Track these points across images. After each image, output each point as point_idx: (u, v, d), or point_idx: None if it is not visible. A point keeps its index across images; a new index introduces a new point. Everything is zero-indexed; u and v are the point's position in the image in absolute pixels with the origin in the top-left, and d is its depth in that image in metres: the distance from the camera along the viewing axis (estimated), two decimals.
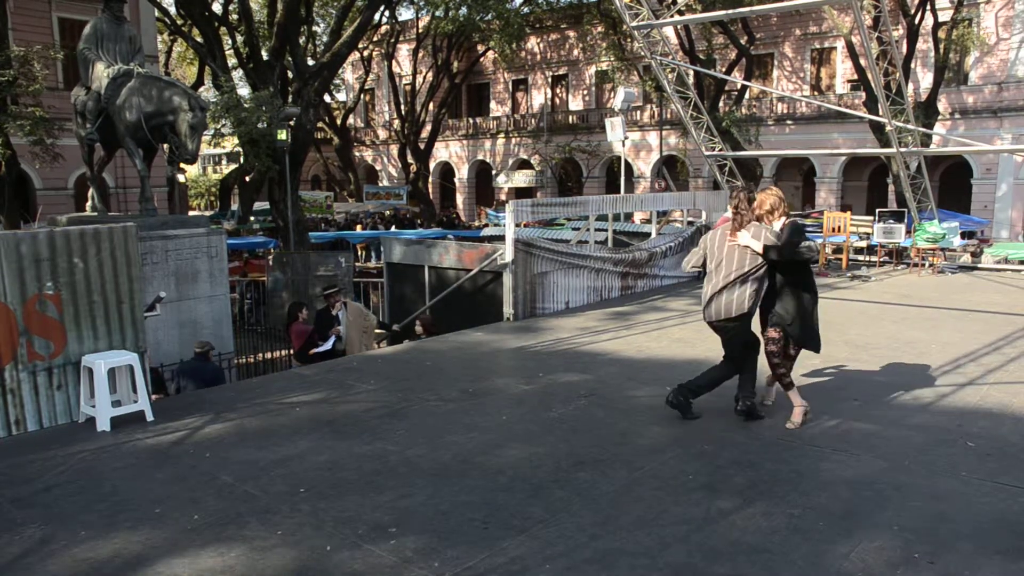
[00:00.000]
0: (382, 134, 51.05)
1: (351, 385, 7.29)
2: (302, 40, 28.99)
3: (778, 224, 6.20)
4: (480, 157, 48.96)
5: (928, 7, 29.12)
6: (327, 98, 39.40)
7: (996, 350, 8.46)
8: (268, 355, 13.69)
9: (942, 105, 32.08)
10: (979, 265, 16.88)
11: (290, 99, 21.59)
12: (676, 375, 7.48)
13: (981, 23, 32.39)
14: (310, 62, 24.61)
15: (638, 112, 41.64)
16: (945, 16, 30.65)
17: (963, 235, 23.41)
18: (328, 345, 10.15)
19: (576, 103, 45.74)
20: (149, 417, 6.31)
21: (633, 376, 7.49)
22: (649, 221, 16.84)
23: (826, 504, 4.57)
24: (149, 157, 10.83)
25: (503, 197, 45.22)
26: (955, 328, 9.57)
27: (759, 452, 5.41)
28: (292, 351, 10.81)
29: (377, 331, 11.28)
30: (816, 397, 6.72)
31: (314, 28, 34.36)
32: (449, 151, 49.92)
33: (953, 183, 34.83)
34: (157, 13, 29.20)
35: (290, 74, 22.84)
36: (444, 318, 11.06)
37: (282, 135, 19.44)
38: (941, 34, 29.85)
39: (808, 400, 6.19)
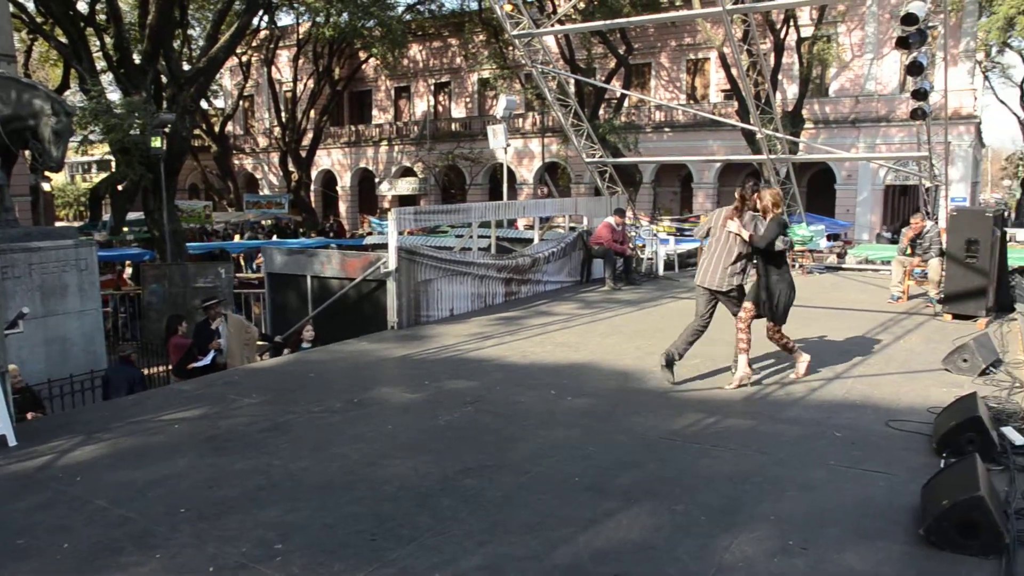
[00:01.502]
0: (262, 142, 49.83)
1: (232, 399, 7.07)
2: (176, 44, 28.04)
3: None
4: (363, 165, 48.43)
5: (792, 23, 30.59)
6: (204, 104, 38.16)
7: (859, 345, 8.93)
8: (145, 371, 13.14)
9: (807, 115, 33.71)
10: (843, 265, 17.78)
11: (164, 105, 20.83)
12: (561, 379, 7.58)
13: (838, 40, 34.21)
14: (185, 67, 23.82)
15: (520, 119, 42.05)
16: (807, 32, 32.27)
17: (828, 237, 24.63)
18: (208, 359, 9.83)
19: (459, 111, 45.82)
20: (12, 442, 5.94)
21: (519, 382, 7.54)
22: (532, 227, 17.02)
23: (707, 500, 4.70)
24: (8, 164, 10.23)
25: (386, 205, 44.86)
26: (823, 325, 10.03)
27: (642, 452, 5.53)
28: (170, 366, 10.41)
29: (259, 343, 10.99)
30: (697, 396, 6.92)
31: (189, 32, 33.26)
32: (331, 159, 49.18)
33: (819, 189, 36.61)
34: (13, 8, 27.60)
35: (164, 79, 22.05)
36: (328, 328, 10.87)
37: (156, 142, 18.71)
38: (804, 49, 31.40)
39: (688, 400, 6.37)
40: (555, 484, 4.97)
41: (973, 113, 33.24)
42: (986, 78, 37.48)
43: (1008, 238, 14.25)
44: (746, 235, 7.04)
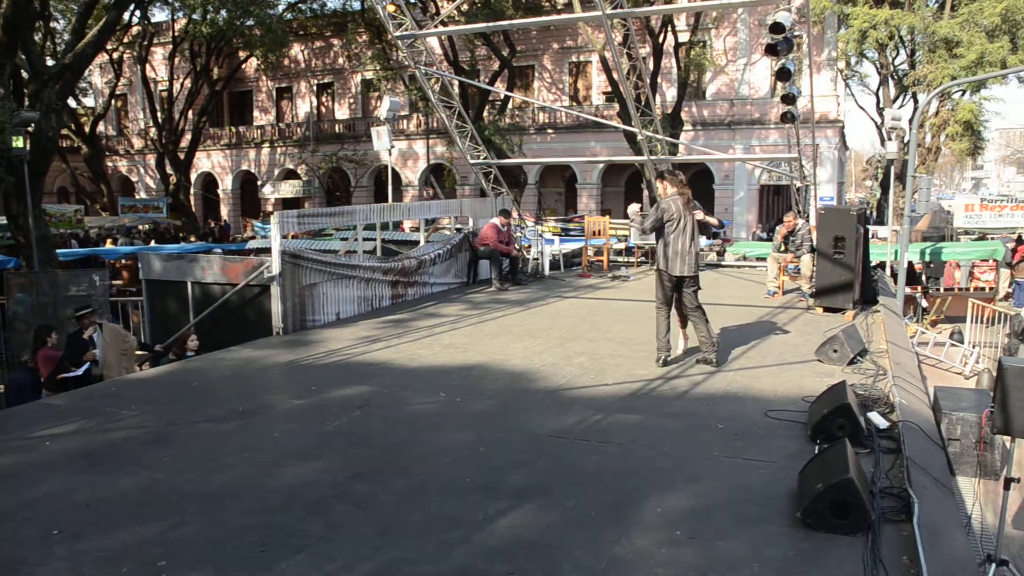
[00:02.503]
0: (137, 143, 47.90)
1: (110, 412, 6.76)
2: (39, 37, 26.62)
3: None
4: (244, 167, 47.19)
5: (670, 29, 31.46)
6: (72, 103, 36.35)
7: (739, 339, 9.26)
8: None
9: (685, 117, 34.77)
10: (722, 263, 18.42)
11: (26, 103, 19.72)
12: (449, 381, 7.57)
13: (713, 46, 35.45)
14: (49, 62, 22.64)
15: (405, 121, 41.83)
16: (685, 37, 33.28)
17: (708, 235, 25.37)
18: (81, 371, 9.37)
19: (342, 112, 45.21)
20: None
21: (408, 384, 7.49)
22: (418, 229, 16.95)
23: (597, 495, 4.79)
24: None
25: (270, 208, 43.82)
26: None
27: (532, 451, 5.58)
28: (40, 380, 9.87)
29: (138, 352, 10.56)
30: (584, 394, 7.04)
31: (53, 25, 31.62)
32: (211, 161, 47.71)
33: (698, 188, 37.63)
34: None
35: (25, 74, 20.88)
36: (212, 336, 10.54)
37: (19, 143, 17.70)
38: (682, 54, 32.36)
39: (576, 398, 6.47)
40: (447, 486, 4.96)
41: (837, 118, 35.03)
42: (847, 85, 39.54)
43: (870, 235, 15.08)
44: (714, 220, 7.85)
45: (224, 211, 47.52)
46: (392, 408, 6.72)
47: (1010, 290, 21.55)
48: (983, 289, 20.92)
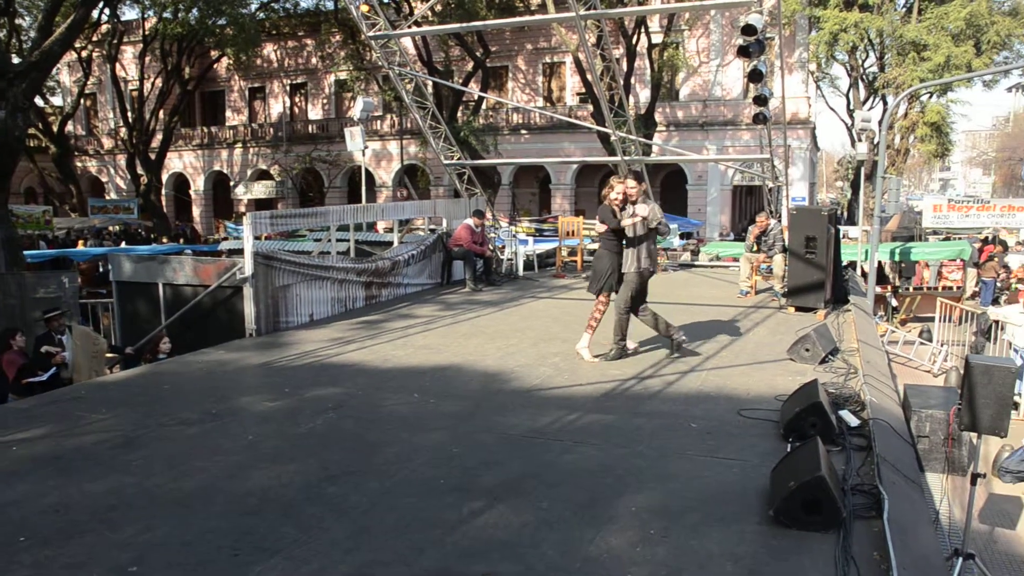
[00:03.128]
0: (107, 143, 47.40)
1: (80, 416, 6.67)
2: (3, 34, 26.26)
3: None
4: (217, 168, 46.84)
5: (643, 30, 31.61)
6: (40, 102, 35.88)
7: (711, 338, 9.32)
8: None
9: (659, 118, 34.93)
10: (696, 263, 18.52)
11: None
12: (424, 382, 7.56)
13: (686, 47, 35.64)
14: (15, 60, 22.32)
15: (378, 121, 41.71)
16: (658, 39, 33.43)
17: (681, 236, 25.59)
18: (46, 376, 9.24)
19: (315, 112, 45.02)
20: None
21: (381, 386, 7.47)
22: (392, 230, 16.89)
23: (571, 494, 4.79)
24: None
25: (242, 209, 43.50)
26: (678, 320, 10.36)
27: (506, 451, 5.58)
28: (6, 383, 9.72)
29: (108, 355, 10.44)
30: (558, 394, 7.05)
31: (18, 22, 31.17)
32: (183, 161, 47.32)
33: (671, 188, 38.01)
34: None
35: None
36: (183, 338, 10.44)
37: None
38: (655, 55, 32.50)
39: (550, 398, 6.47)
40: (421, 487, 4.95)
41: (808, 119, 35.37)
42: (818, 87, 39.92)
43: (842, 235, 15.22)
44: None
45: (196, 212, 47.15)
46: (366, 409, 6.69)
47: (977, 289, 21.90)
48: (951, 288, 21.21)
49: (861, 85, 34.30)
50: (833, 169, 75.32)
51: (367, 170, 29.71)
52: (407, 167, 40.92)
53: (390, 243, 15.69)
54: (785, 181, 17.36)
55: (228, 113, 47.46)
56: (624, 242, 8.18)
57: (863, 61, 33.97)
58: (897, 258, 21.20)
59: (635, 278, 8.18)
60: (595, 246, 19.02)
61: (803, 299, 11.15)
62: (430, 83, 26.55)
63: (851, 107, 36.08)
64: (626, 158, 16.08)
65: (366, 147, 18.94)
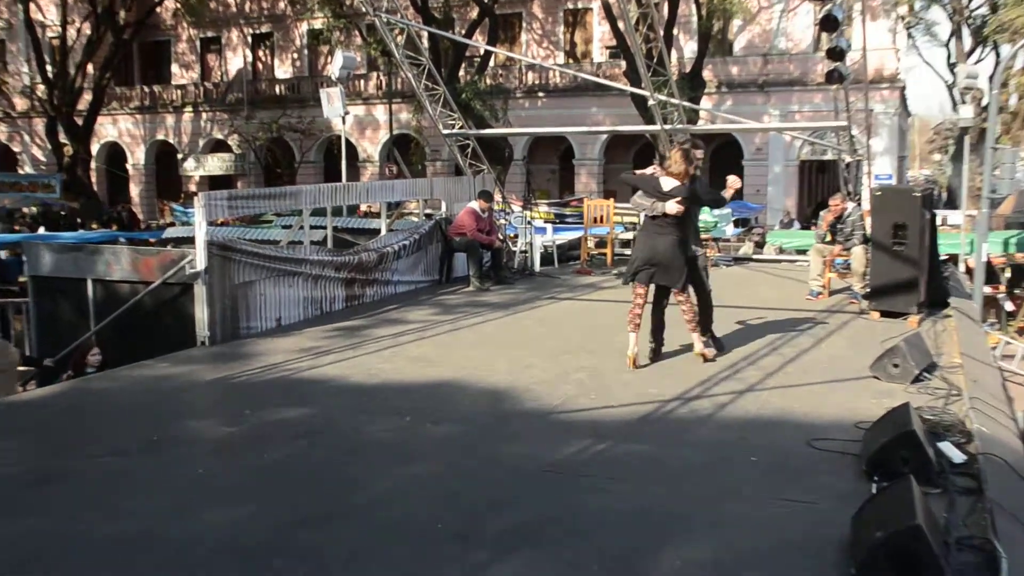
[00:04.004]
0: (21, 104, 47.38)
1: None
2: None
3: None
4: (161, 137, 47.04)
5: None
6: None
7: (774, 351, 9.27)
8: None
9: (708, 77, 34.84)
10: (753, 256, 18.47)
11: None
12: (417, 402, 7.54)
13: None
14: None
15: (362, 81, 41.82)
16: None
17: (736, 223, 25.52)
18: None
19: (284, 70, 45.17)
20: None
21: (365, 407, 7.46)
22: (378, 215, 16.89)
23: (600, 545, 4.76)
24: None
25: (193, 188, 43.70)
26: (731, 328, 10.36)
27: (521, 489, 5.55)
28: None
29: (21, 368, 10.47)
30: (584, 418, 7.02)
31: None
32: (118, 128, 47.53)
33: (723, 165, 37.84)
34: None
35: None
36: (119, 347, 10.46)
37: None
38: None
39: (574, 423, 6.44)
40: (413, 533, 4.92)
41: (897, 76, 35.19)
42: (910, 36, 39.65)
43: (939, 221, 15.13)
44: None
45: (135, 191, 47.35)
46: (345, 436, 6.68)
47: None
48: None
49: (966, 32, 33.99)
50: (928, 139, 74.80)
51: (348, 141, 29.67)
52: (397, 138, 40.99)
53: (376, 231, 15.68)
54: (867, 154, 17.27)
55: (174, 69, 47.65)
56: (678, 223, 8.57)
57: (969, 1, 33.65)
58: (1012, 250, 21.02)
59: (700, 263, 9.17)
60: (628, 235, 19.06)
61: (890, 302, 11.08)
62: (426, 34, 26.58)
63: (952, 60, 35.82)
64: (667, 127, 16.05)
65: (347, 113, 18.95)
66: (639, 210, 8.89)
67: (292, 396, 7.85)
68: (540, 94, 39.01)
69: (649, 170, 8.98)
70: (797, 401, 7.42)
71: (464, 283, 14.16)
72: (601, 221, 18.02)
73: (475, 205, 14.20)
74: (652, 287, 8.68)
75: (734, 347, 9.42)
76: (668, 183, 8.43)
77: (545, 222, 21.93)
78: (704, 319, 9.03)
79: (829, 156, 30.88)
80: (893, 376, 8.00)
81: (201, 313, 10.14)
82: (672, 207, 8.29)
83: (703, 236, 16.44)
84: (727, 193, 8.85)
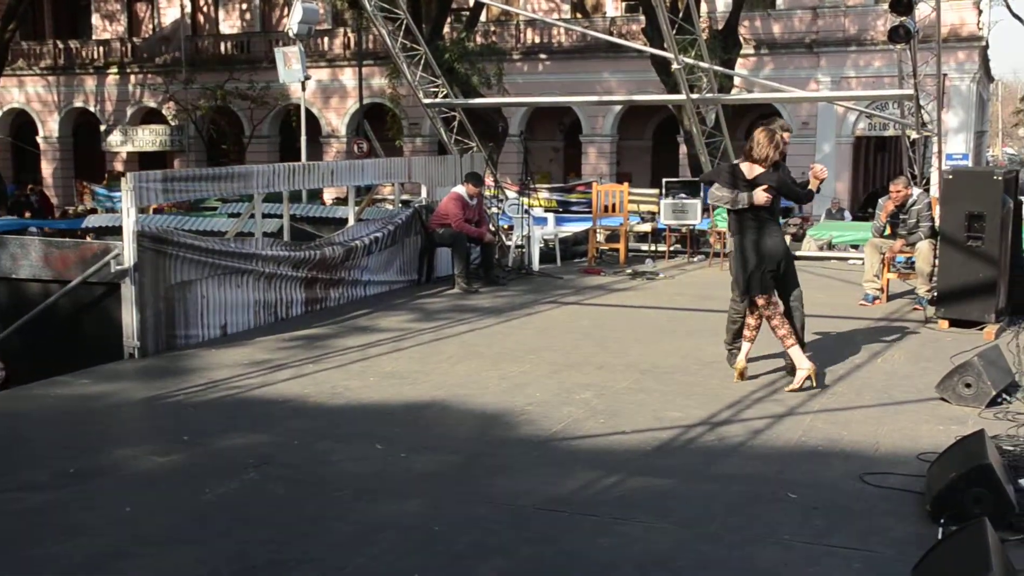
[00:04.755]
0: None
1: None
2: None
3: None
4: (79, 104, 46.97)
5: None
6: None
7: (821, 367, 9.26)
8: None
9: (744, 35, 34.81)
10: (799, 253, 18.49)
11: None
12: (391, 426, 7.57)
13: None
14: None
15: (326, 40, 41.81)
16: None
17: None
18: None
19: (231, 24, 45.16)
20: None
21: (328, 431, 7.49)
22: (345, 201, 16.91)
23: None
24: None
25: (119, 167, 43.64)
26: (769, 339, 10.38)
27: (512, 529, 5.58)
28: None
29: None
30: (590, 446, 7.05)
31: None
32: (26, 93, 47.43)
33: None
34: None
35: None
36: (28, 359, 10.47)
37: None
38: None
39: (579, 451, 6.48)
40: None
41: (977, 34, 35.10)
42: None
43: None
44: None
45: (46, 170, 47.25)
46: (304, 467, 6.71)
47: None
48: None
49: None
50: (1013, 110, 74.30)
51: (309, 111, 29.61)
52: (368, 108, 40.94)
53: (344, 222, 15.71)
54: (937, 130, 17.29)
55: (95, 21, 47.59)
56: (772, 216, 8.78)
57: None
58: None
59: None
60: (645, 228, 19.08)
61: (962, 308, 11.10)
62: None
63: None
64: (695, 96, 16.11)
65: (307, 77, 19.01)
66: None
67: (240, 419, 7.87)
68: (542, 56, 38.98)
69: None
70: (847, 427, 7.45)
71: (448, 284, 14.18)
72: (613, 210, 18.05)
73: (461, 190, 14.22)
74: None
75: (772, 363, 9.46)
76: (753, 170, 8.52)
77: (546, 211, 21.94)
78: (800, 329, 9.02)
79: (891, 132, 30.98)
80: (965, 398, 8.03)
81: (129, 318, 10.13)
82: (760, 196, 8.40)
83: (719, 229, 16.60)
84: (812, 184, 8.88)
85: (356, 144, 40.75)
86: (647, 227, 19.32)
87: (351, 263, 13.18)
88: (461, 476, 6.49)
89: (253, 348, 10.45)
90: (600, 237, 17.81)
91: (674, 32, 15.02)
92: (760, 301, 8.61)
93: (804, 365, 8.53)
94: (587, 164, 39.38)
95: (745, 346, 8.82)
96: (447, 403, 8.25)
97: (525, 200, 17.15)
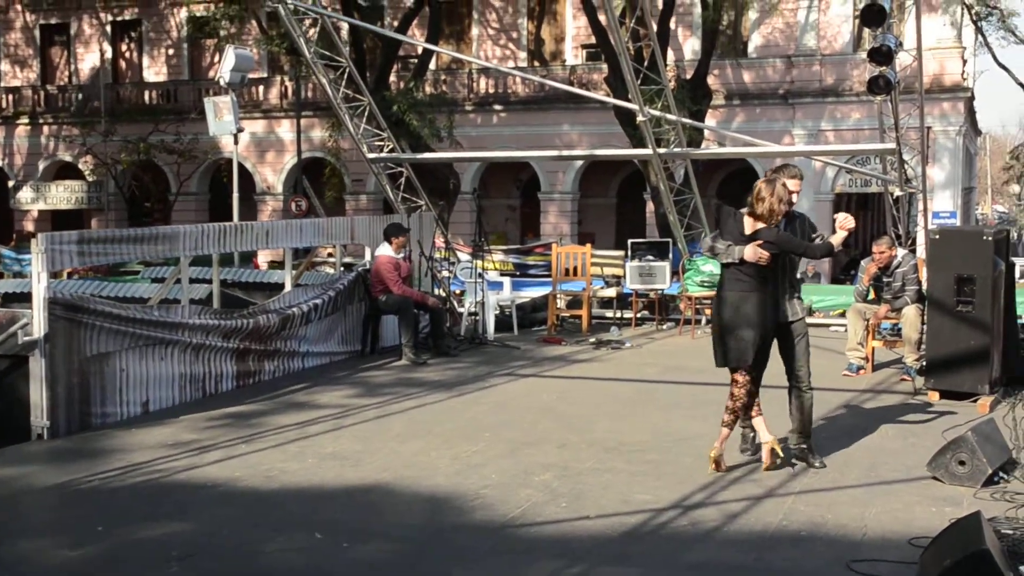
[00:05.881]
0: None
1: None
2: None
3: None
4: None
5: None
6: None
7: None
8: None
9: (715, 85, 35.17)
10: None
11: None
12: (333, 513, 7.51)
13: None
14: None
15: (261, 89, 41.94)
16: None
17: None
18: None
19: (156, 71, 45.22)
20: None
21: (261, 519, 7.42)
22: (282, 265, 16.87)
23: None
24: None
25: (30, 227, 43.38)
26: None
27: None
28: None
29: None
30: (551, 533, 7.02)
31: None
32: None
33: (734, 199, 38.21)
34: None
35: None
36: None
37: None
38: None
39: (539, 539, 6.44)
40: None
41: (962, 84, 35.69)
42: (979, 32, 39.90)
43: (1018, 274, 15.32)
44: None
45: None
46: (234, 559, 6.63)
47: None
48: None
49: None
50: (1003, 165, 75.28)
51: (242, 167, 29.47)
52: (307, 163, 40.99)
53: (279, 286, 15.67)
54: (923, 186, 17.51)
55: (4, 66, 47.49)
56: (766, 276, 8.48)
57: None
58: None
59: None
60: (610, 293, 19.14)
61: (953, 379, 11.16)
62: (346, 27, 26.75)
63: None
64: (662, 150, 16.24)
65: (240, 129, 19.02)
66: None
67: (163, 506, 7.78)
68: (496, 107, 39.23)
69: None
70: (832, 510, 7.46)
71: (395, 354, 14.15)
72: (575, 273, 18.09)
73: (388, 249, 14.11)
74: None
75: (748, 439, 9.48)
76: (755, 226, 8.31)
77: (502, 275, 21.97)
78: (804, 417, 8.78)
79: (873, 188, 31.37)
80: (959, 477, 8.06)
81: (38, 395, 10.01)
82: (750, 251, 8.16)
83: (709, 294, 16.62)
84: (836, 239, 8.79)
85: (294, 202, 40.74)
86: (612, 292, 19.33)
87: (288, 332, 13.13)
88: (409, 568, 6.43)
89: (178, 427, 10.36)
90: (561, 303, 17.84)
91: (639, 82, 15.15)
92: (737, 378, 8.38)
93: (765, 437, 8.50)
94: (546, 223, 39.54)
95: (725, 431, 8.51)
96: (394, 486, 8.20)
97: (479, 263, 17.16)
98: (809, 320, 18.13)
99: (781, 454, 8.47)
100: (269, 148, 42.44)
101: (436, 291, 16.63)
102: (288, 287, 14.52)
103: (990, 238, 11.22)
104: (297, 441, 9.74)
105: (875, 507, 7.52)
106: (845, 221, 8.70)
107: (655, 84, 16.00)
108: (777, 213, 8.23)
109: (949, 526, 6.26)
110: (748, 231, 8.29)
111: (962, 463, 8.09)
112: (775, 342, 8.63)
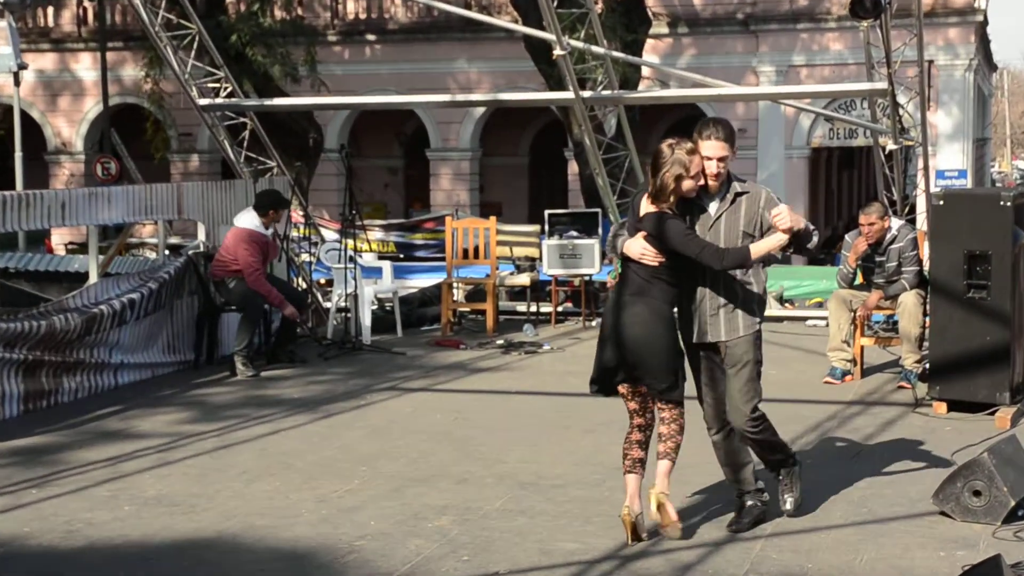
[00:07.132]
0: None
1: None
2: None
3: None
4: None
5: None
6: None
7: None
8: None
9: (655, 7, 35.29)
10: None
11: None
12: (157, 571, 7.44)
13: None
14: None
15: (50, 12, 41.42)
16: None
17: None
18: None
19: None
20: None
21: None
22: (85, 248, 16.73)
23: None
24: None
25: None
26: (701, 434, 10.48)
27: None
28: None
29: None
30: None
31: None
32: None
33: None
34: None
35: None
36: None
37: None
38: None
39: None
40: None
41: (973, 4, 36.04)
42: None
43: None
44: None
45: None
46: None
47: None
48: None
49: None
50: None
51: (27, 116, 29.09)
52: (118, 112, 40.62)
53: (82, 277, 15.53)
54: (923, 137, 17.67)
55: None
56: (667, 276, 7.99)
57: None
58: None
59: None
60: (523, 280, 19.18)
61: (964, 386, 11.27)
62: None
63: None
64: (588, 93, 16.28)
65: (23, 66, 18.78)
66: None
67: None
68: (370, 37, 39.14)
69: None
70: (812, 557, 7.54)
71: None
72: (476, 255, 18.07)
73: (252, 220, 13.97)
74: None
75: (707, 467, 9.52)
76: (647, 207, 7.87)
77: (380, 258, 21.89)
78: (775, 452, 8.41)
79: (860, 141, 31.71)
80: (973, 511, 8.16)
81: None
82: (635, 246, 7.79)
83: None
84: (764, 245, 7.97)
85: (100, 163, 40.34)
86: (525, 279, 19.31)
87: (94, 339, 13.00)
88: None
89: None
90: (458, 295, 17.86)
91: (556, 3, 15.14)
92: (631, 404, 8.22)
93: (659, 487, 7.87)
94: (438, 190, 39.53)
95: (631, 480, 7.94)
96: (240, 539, 8.15)
97: (350, 243, 17.07)
98: (780, 312, 18.52)
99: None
100: (63, 91, 41.97)
101: (296, 280, 16.55)
102: (93, 278, 14.42)
103: (1009, 203, 11.19)
104: (108, 483, 9.64)
105: (867, 552, 7.61)
106: (779, 219, 7.76)
107: (577, 7, 16.04)
108: (669, 191, 7.70)
109: (962, 574, 6.34)
110: (640, 214, 7.92)
111: (977, 493, 8.18)
112: (694, 372, 8.26)
